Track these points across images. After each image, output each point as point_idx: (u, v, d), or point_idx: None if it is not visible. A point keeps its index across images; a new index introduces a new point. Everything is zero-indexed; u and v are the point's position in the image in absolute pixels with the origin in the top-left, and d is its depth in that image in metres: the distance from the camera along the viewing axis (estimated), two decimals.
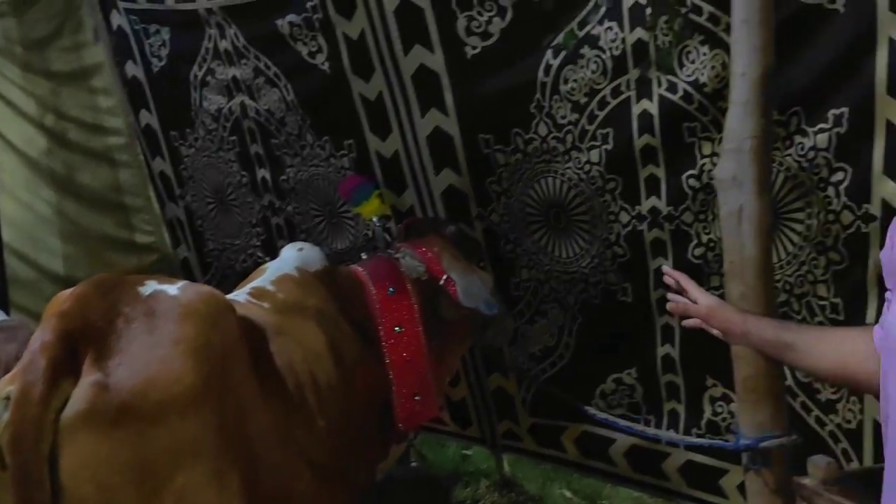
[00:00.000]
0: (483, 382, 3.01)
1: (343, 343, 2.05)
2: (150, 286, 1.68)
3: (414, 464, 3.47)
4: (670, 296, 1.81)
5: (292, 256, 2.20)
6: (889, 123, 1.90)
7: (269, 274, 2.14)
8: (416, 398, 2.16)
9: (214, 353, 1.65)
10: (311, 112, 2.95)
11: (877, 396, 1.78)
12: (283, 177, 3.16)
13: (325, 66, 2.80)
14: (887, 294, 1.43)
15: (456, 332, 2.41)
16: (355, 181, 2.70)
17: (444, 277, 2.34)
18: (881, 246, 1.97)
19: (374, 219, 2.58)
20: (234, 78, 3.08)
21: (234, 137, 3.24)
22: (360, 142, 2.87)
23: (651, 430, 2.53)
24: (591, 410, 2.52)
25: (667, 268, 1.88)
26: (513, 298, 2.79)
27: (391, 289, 2.22)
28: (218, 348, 1.65)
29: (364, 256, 2.46)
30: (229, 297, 1.90)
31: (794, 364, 1.64)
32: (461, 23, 2.47)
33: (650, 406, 2.62)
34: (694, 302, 1.75)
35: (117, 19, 3.35)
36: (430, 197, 2.80)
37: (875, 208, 1.99)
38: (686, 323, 1.79)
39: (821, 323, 2.15)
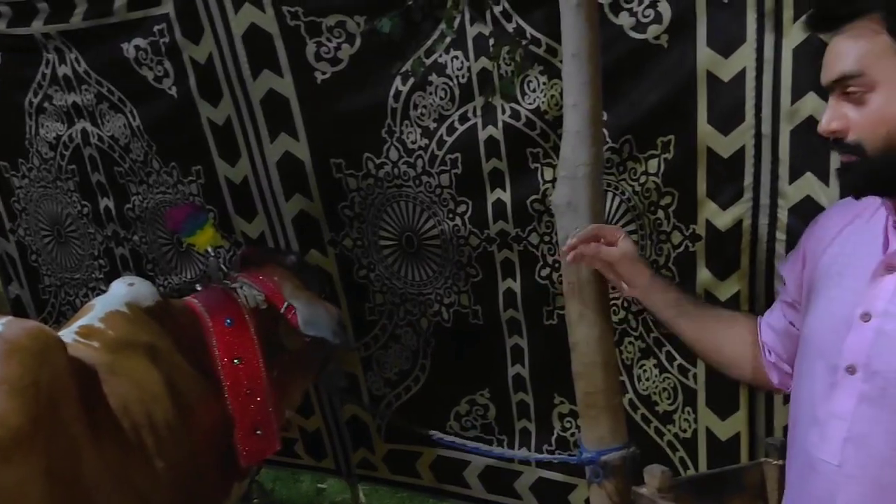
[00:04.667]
0: (337, 412, 2.98)
1: (180, 380, 1.97)
2: None
3: (256, 501, 3.38)
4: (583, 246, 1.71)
5: (122, 292, 2.07)
6: (709, 150, 2.04)
7: (97, 311, 2.01)
8: (258, 432, 2.10)
9: (43, 393, 1.56)
10: (158, 137, 2.85)
11: (743, 382, 1.88)
12: (128, 205, 3.05)
13: (173, 91, 2.73)
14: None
15: (298, 362, 2.35)
16: (185, 210, 2.59)
17: (286, 305, 2.29)
18: (706, 264, 2.13)
19: (209, 249, 2.51)
20: (74, 104, 2.95)
21: (73, 166, 3.10)
22: (209, 167, 2.80)
23: (498, 450, 2.57)
24: (439, 435, 2.52)
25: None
26: (368, 323, 2.79)
27: (228, 320, 2.15)
28: (46, 387, 1.57)
29: (199, 288, 2.38)
30: None
31: (682, 332, 1.70)
32: (310, 48, 2.47)
33: (503, 426, 2.67)
34: (611, 244, 1.70)
35: None
36: (282, 223, 2.76)
37: (700, 229, 2.12)
38: (572, 258, 1.72)
39: (656, 338, 2.27)
